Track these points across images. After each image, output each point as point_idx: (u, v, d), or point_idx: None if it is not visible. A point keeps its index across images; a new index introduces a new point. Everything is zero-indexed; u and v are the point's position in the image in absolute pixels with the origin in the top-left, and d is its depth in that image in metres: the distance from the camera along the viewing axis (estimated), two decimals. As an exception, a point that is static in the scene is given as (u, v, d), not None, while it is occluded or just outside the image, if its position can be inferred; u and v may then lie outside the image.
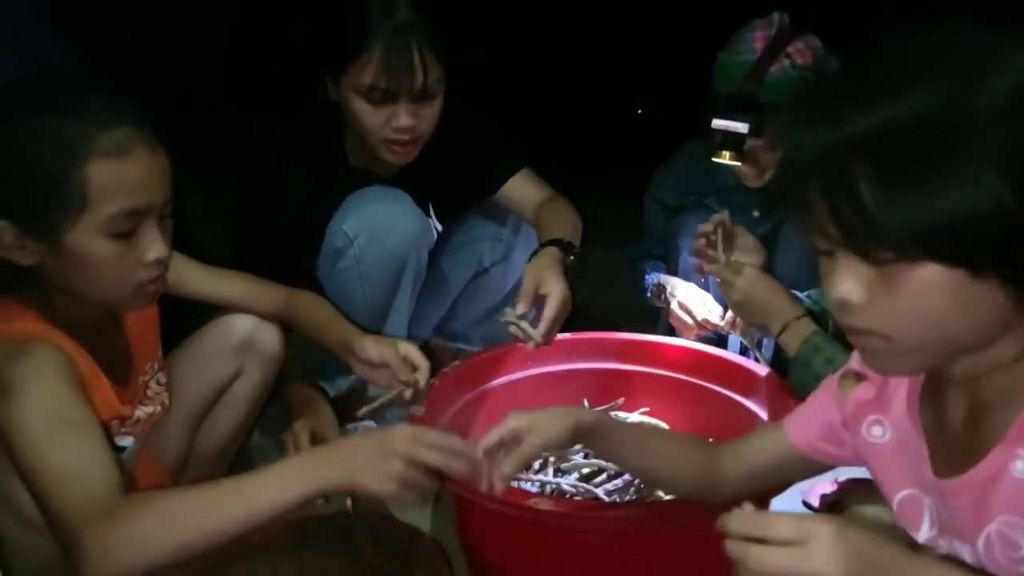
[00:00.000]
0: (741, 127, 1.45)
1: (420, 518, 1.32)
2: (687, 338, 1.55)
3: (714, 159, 1.52)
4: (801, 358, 1.14)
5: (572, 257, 1.36)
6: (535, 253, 1.36)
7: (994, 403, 0.64)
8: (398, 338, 1.18)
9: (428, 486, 0.85)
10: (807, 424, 0.84)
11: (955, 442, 0.67)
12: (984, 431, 0.65)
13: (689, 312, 1.58)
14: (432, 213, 1.58)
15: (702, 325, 1.56)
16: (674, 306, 1.60)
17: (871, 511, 0.88)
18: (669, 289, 1.63)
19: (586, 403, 1.44)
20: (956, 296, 0.59)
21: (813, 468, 0.87)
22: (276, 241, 1.38)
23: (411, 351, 1.15)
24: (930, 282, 0.58)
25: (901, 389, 0.74)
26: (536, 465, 1.31)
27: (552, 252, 1.33)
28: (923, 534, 0.71)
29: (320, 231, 1.42)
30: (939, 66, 0.58)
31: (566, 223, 1.47)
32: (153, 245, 0.93)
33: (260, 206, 1.41)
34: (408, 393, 1.11)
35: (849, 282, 0.61)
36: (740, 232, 1.37)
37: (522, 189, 1.54)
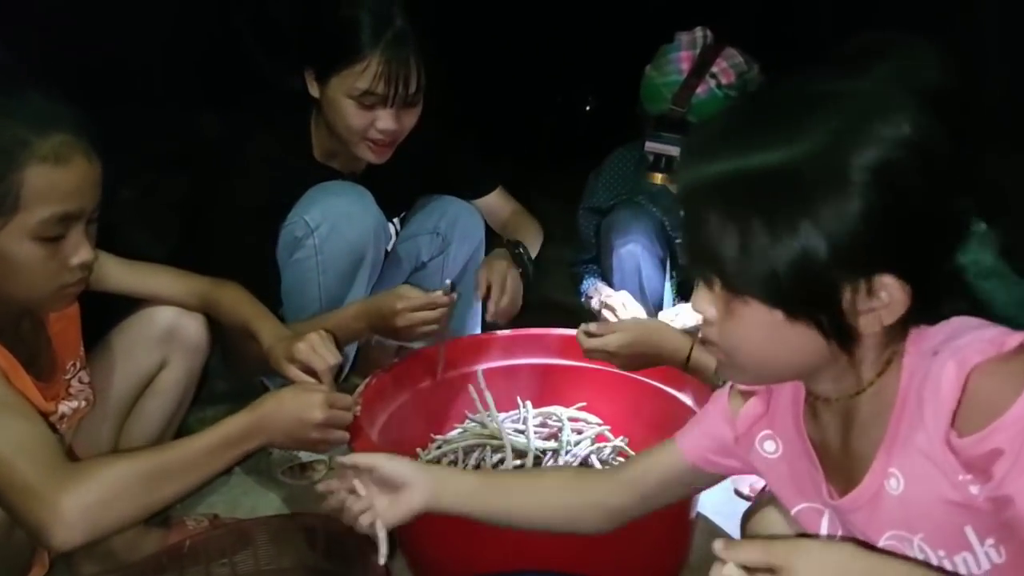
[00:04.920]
0: (673, 150, 1.50)
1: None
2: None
3: (648, 180, 1.58)
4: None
5: (521, 251, 1.47)
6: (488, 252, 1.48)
7: (863, 423, 0.68)
8: (294, 339, 1.13)
9: (339, 442, 1.06)
10: (699, 438, 0.85)
11: (838, 461, 0.71)
12: (858, 451, 0.69)
13: (614, 312, 1.64)
14: (392, 217, 1.59)
15: None
16: (604, 311, 1.66)
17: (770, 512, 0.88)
18: (601, 296, 1.68)
19: (529, 404, 1.46)
20: (776, 333, 0.64)
21: (709, 480, 0.89)
22: (240, 229, 1.38)
23: (312, 349, 1.11)
24: (752, 317, 0.65)
25: (785, 403, 0.77)
26: (472, 461, 1.33)
27: (502, 251, 1.47)
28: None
29: (282, 220, 1.42)
30: (809, 122, 0.62)
31: (528, 231, 1.58)
32: (80, 249, 0.93)
33: (223, 195, 1.40)
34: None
35: (703, 300, 0.68)
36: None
37: (493, 205, 1.65)
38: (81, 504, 0.82)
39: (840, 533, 0.72)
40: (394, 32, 1.29)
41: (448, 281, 1.35)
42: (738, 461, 0.83)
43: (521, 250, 1.49)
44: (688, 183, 0.66)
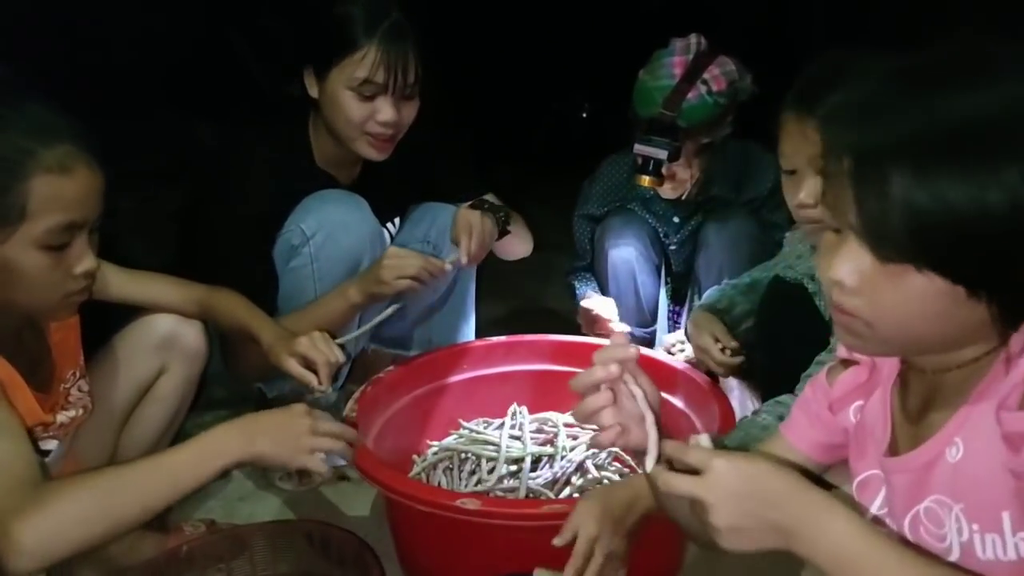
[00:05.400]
0: (661, 154, 1.51)
1: (356, 521, 1.35)
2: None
3: (636, 183, 1.59)
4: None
5: (487, 204, 1.49)
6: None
7: (946, 395, 0.67)
8: (295, 336, 1.16)
9: (334, 449, 1.01)
10: (800, 420, 0.83)
11: (910, 426, 0.71)
12: (932, 419, 0.68)
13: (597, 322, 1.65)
14: (387, 224, 1.61)
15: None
16: (593, 314, 1.67)
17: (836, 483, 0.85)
18: (592, 310, 1.69)
19: (525, 409, 1.47)
20: (947, 308, 0.61)
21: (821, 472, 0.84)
22: (240, 237, 1.39)
23: (313, 344, 1.14)
24: (928, 290, 0.60)
25: (884, 373, 0.75)
26: (468, 467, 1.34)
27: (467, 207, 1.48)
28: (869, 514, 0.73)
29: (281, 227, 1.44)
30: (995, 80, 0.58)
31: (516, 225, 1.56)
32: (84, 258, 0.95)
33: (223, 203, 1.41)
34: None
35: (849, 266, 0.62)
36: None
37: None
38: (34, 532, 0.82)
39: (886, 507, 0.72)
40: (391, 22, 1.32)
41: (452, 256, 1.38)
42: (837, 436, 0.79)
43: (488, 203, 1.49)
44: (866, 143, 0.59)
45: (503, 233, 1.50)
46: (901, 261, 0.60)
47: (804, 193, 1.10)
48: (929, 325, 0.62)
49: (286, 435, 0.97)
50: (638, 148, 1.54)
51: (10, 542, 0.81)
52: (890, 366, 0.75)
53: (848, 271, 0.63)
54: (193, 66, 2.86)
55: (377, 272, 1.31)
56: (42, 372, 1.05)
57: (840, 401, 0.79)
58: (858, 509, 0.73)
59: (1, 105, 0.90)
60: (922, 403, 0.70)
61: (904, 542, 0.67)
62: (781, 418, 1.03)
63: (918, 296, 0.61)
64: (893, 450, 0.72)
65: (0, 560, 0.82)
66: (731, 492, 0.63)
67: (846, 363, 0.79)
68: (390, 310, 1.42)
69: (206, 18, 2.90)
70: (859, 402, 0.77)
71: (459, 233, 1.41)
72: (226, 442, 0.95)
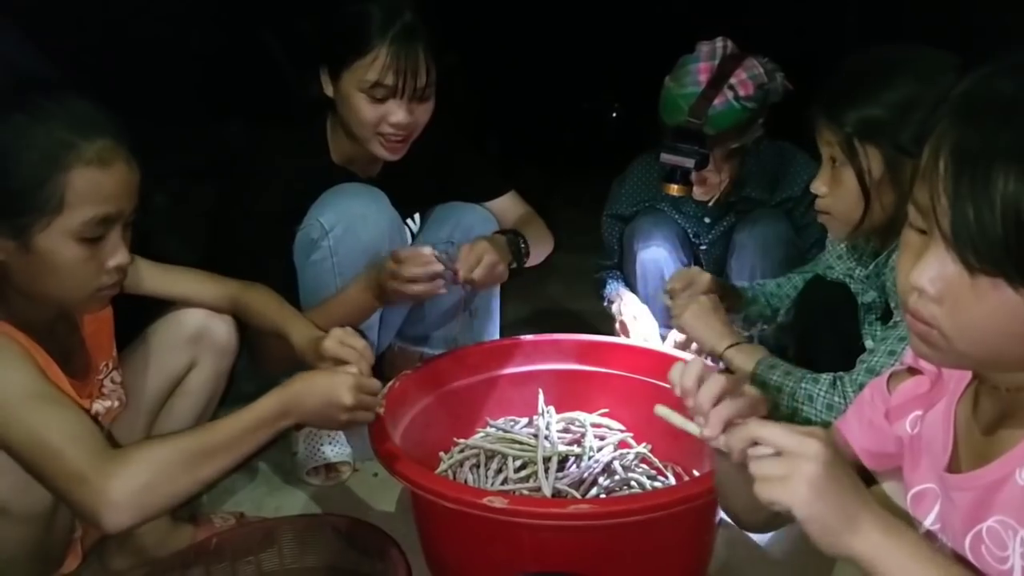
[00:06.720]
0: (688, 162, 1.50)
1: (383, 516, 1.35)
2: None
3: (664, 191, 1.57)
4: (759, 377, 1.17)
5: (511, 237, 1.46)
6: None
7: (1020, 415, 0.65)
8: (322, 339, 1.14)
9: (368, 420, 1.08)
10: (852, 424, 0.81)
11: (976, 443, 0.68)
12: (1002, 437, 0.65)
13: (631, 322, 1.64)
14: (408, 220, 1.62)
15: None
16: (622, 318, 1.66)
17: (888, 487, 0.83)
18: (618, 303, 1.68)
19: (552, 409, 1.47)
20: None
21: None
22: (262, 233, 1.41)
23: (340, 343, 1.13)
24: (1018, 307, 0.57)
25: (948, 385, 0.73)
26: (495, 465, 1.34)
27: (498, 237, 1.45)
28: (923, 528, 0.71)
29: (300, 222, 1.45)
30: None
31: (534, 234, 1.56)
32: (117, 252, 0.97)
33: (246, 198, 1.44)
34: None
35: (933, 273, 0.60)
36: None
37: (504, 208, 1.64)
38: (127, 488, 0.85)
39: (940, 523, 0.70)
40: (403, 24, 1.32)
41: (441, 246, 1.35)
42: (889, 444, 0.77)
43: (512, 236, 1.47)
44: (970, 142, 0.56)
45: (513, 272, 1.46)
46: (993, 274, 0.57)
47: (815, 182, 1.11)
48: (1013, 344, 0.60)
49: (327, 411, 1.01)
50: (665, 157, 1.52)
51: (104, 498, 0.84)
52: (957, 379, 0.72)
53: (931, 278, 0.60)
54: (227, 67, 2.91)
55: (382, 280, 1.30)
56: (76, 362, 1.07)
57: (898, 409, 0.76)
58: (909, 519, 0.71)
59: (46, 99, 0.93)
60: (992, 420, 0.67)
61: (960, 560, 0.64)
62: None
63: (1006, 313, 0.57)
64: (954, 466, 0.69)
65: (94, 517, 0.85)
66: (829, 455, 0.60)
67: (912, 371, 0.77)
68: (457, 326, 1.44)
69: (240, 20, 2.94)
70: (917, 412, 0.75)
71: (464, 254, 1.35)
72: (278, 413, 0.98)
